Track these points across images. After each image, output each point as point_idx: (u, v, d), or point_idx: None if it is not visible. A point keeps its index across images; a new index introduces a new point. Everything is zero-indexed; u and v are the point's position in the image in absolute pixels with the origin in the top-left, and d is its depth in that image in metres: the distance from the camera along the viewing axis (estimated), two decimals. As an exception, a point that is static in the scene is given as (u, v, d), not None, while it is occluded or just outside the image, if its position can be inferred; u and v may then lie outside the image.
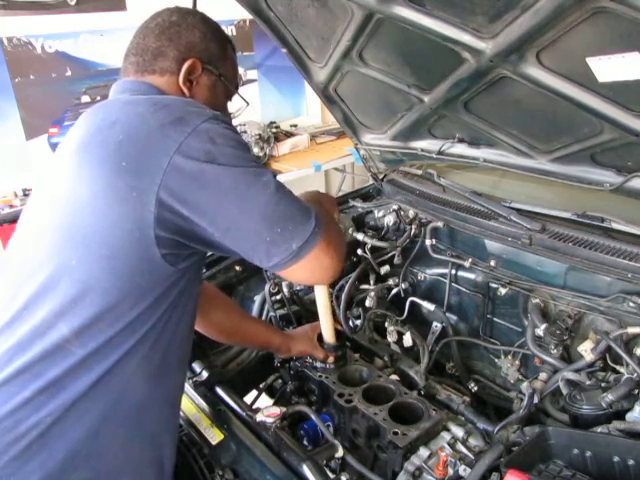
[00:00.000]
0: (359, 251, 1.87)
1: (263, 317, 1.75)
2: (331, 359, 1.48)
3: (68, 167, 0.99)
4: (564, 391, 1.31)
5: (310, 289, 1.84)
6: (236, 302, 1.75)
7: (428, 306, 1.73)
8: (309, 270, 0.99)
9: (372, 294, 1.82)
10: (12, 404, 0.91)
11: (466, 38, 1.27)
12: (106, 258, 0.92)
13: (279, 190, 0.96)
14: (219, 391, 1.40)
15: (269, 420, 1.22)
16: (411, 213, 1.92)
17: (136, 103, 1.00)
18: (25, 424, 0.90)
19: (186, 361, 1.17)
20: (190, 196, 0.91)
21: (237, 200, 0.92)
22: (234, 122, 1.26)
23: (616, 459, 0.99)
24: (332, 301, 1.74)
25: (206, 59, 1.15)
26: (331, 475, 1.15)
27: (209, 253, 1.10)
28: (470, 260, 1.68)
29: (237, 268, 1.80)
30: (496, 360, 1.62)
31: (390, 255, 1.89)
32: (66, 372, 0.92)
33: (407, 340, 1.64)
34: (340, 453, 1.19)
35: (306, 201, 1.12)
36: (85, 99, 3.97)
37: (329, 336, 1.50)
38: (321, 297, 1.47)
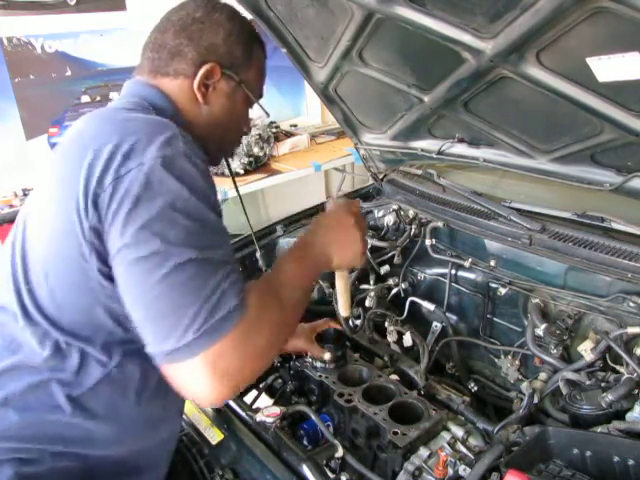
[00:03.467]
0: (359, 251, 1.87)
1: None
2: (327, 355, 1.45)
3: (44, 182, 0.98)
4: (564, 391, 1.31)
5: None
6: None
7: (428, 306, 1.73)
8: (177, 379, 0.83)
9: (372, 294, 1.82)
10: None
11: (466, 38, 1.27)
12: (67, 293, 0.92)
13: (177, 277, 0.80)
14: (219, 391, 1.40)
15: (269, 420, 1.22)
16: (411, 213, 1.91)
17: (110, 122, 0.94)
18: None
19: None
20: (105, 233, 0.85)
21: (133, 266, 0.82)
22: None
23: (616, 459, 0.99)
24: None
25: (227, 63, 1.07)
26: (331, 475, 1.15)
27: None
28: (470, 260, 1.68)
29: (237, 268, 1.80)
30: (496, 360, 1.62)
31: (390, 255, 1.89)
32: (30, 388, 0.93)
33: (407, 340, 1.64)
34: (340, 453, 1.19)
35: (320, 228, 1.08)
36: (85, 99, 3.96)
37: (345, 309, 1.40)
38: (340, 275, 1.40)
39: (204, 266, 0.82)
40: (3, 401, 0.92)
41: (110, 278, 0.87)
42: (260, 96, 1.18)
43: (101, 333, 0.94)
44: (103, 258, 0.86)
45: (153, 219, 0.81)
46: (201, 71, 1.05)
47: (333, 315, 1.71)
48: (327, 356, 1.46)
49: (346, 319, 1.56)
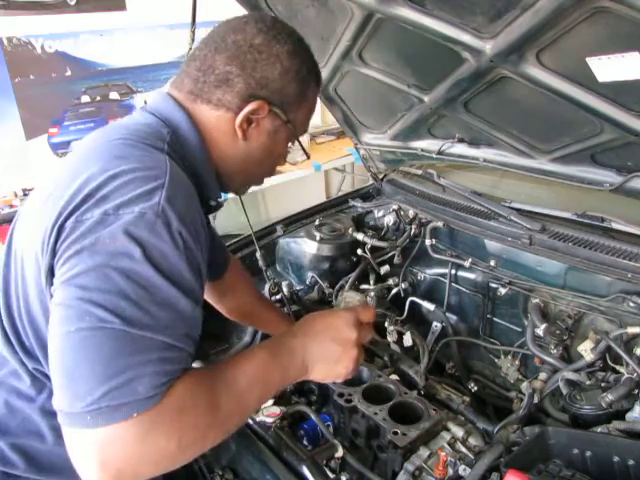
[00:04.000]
0: (359, 251, 1.87)
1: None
2: None
3: (39, 193, 0.93)
4: (564, 391, 1.31)
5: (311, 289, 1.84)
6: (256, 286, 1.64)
7: (428, 306, 1.73)
8: (66, 442, 0.72)
9: (372, 294, 1.82)
10: None
11: (466, 38, 1.27)
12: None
13: (84, 340, 0.70)
14: (219, 391, 1.40)
15: (269, 420, 1.22)
16: (411, 213, 1.92)
17: (104, 157, 0.84)
18: None
19: None
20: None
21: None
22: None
23: (616, 459, 0.99)
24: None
25: (277, 101, 0.97)
26: (331, 475, 1.15)
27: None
28: (470, 260, 1.68)
29: (237, 268, 1.80)
30: (496, 360, 1.62)
31: (390, 255, 1.89)
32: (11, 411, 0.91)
33: (407, 340, 1.64)
34: (340, 453, 1.19)
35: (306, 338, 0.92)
36: (85, 99, 3.97)
37: None
38: None
39: (125, 341, 0.70)
40: None
41: None
42: (304, 132, 1.07)
43: None
44: None
45: (85, 272, 0.72)
46: (247, 108, 0.94)
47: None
48: None
49: None
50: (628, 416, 1.16)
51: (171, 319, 0.75)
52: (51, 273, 0.79)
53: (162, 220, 0.75)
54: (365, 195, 2.25)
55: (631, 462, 0.98)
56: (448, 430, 1.23)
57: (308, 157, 1.18)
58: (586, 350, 1.32)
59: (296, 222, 2.05)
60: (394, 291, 1.89)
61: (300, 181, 3.92)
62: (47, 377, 0.88)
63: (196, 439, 0.75)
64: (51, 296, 0.78)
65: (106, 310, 0.70)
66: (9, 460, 0.90)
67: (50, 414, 0.89)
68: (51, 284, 0.79)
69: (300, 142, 1.07)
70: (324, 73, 1.76)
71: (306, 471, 1.10)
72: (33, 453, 0.91)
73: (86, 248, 0.74)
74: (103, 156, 0.83)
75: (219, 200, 1.07)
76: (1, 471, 0.89)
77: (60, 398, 0.71)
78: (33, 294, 0.85)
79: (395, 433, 1.19)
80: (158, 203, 0.76)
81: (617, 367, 1.29)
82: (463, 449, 1.18)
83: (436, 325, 1.76)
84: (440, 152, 1.85)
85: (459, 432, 1.22)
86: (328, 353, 0.94)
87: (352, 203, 2.18)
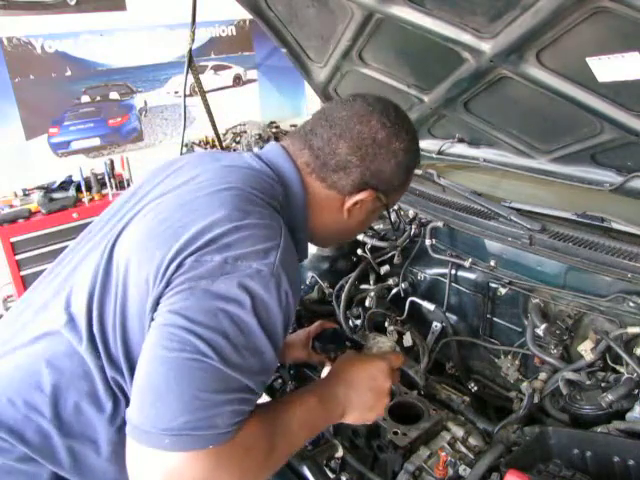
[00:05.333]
0: (359, 251, 1.87)
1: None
2: (328, 366, 1.43)
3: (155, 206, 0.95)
4: (564, 391, 1.31)
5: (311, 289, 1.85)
6: None
7: (428, 306, 1.73)
8: (128, 456, 0.76)
9: (372, 294, 1.82)
10: None
11: (466, 38, 1.27)
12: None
13: (180, 368, 0.75)
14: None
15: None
16: (411, 213, 1.91)
17: (222, 204, 0.88)
18: None
19: None
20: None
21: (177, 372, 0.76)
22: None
23: (616, 459, 0.99)
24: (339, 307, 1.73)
25: (383, 189, 1.05)
26: (331, 475, 1.15)
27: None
28: (470, 260, 1.68)
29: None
30: (496, 360, 1.62)
31: (390, 255, 1.89)
32: (76, 411, 0.90)
33: (407, 340, 1.64)
34: (340, 453, 1.19)
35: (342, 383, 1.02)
36: (85, 99, 3.97)
37: None
38: None
39: (217, 377, 0.76)
40: (53, 418, 0.88)
41: None
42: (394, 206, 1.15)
43: None
44: None
45: (194, 306, 0.78)
46: (359, 195, 1.03)
47: (333, 315, 1.71)
48: (329, 365, 1.42)
49: None
50: (628, 416, 1.16)
51: (258, 366, 0.82)
52: (159, 300, 0.83)
53: (275, 279, 0.83)
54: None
55: (631, 462, 0.98)
56: (448, 430, 1.23)
57: (395, 229, 1.26)
58: (586, 350, 1.32)
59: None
60: (394, 291, 1.89)
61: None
62: (122, 390, 0.89)
63: (252, 477, 0.82)
64: (152, 320, 0.83)
65: (207, 345, 0.76)
66: (59, 460, 0.89)
67: (115, 429, 0.89)
68: (155, 310, 0.83)
69: (391, 219, 1.23)
70: (324, 73, 1.77)
71: (306, 471, 1.10)
72: (84, 462, 0.90)
73: (201, 287, 0.79)
74: (228, 204, 0.88)
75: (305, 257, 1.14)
76: (50, 469, 0.89)
77: (139, 414, 0.75)
78: (133, 311, 0.87)
79: (395, 433, 1.19)
80: (273, 263, 0.83)
81: (617, 367, 1.29)
82: (463, 449, 1.18)
83: (436, 325, 1.75)
84: (440, 152, 1.85)
85: (459, 432, 1.22)
86: (365, 402, 1.05)
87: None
